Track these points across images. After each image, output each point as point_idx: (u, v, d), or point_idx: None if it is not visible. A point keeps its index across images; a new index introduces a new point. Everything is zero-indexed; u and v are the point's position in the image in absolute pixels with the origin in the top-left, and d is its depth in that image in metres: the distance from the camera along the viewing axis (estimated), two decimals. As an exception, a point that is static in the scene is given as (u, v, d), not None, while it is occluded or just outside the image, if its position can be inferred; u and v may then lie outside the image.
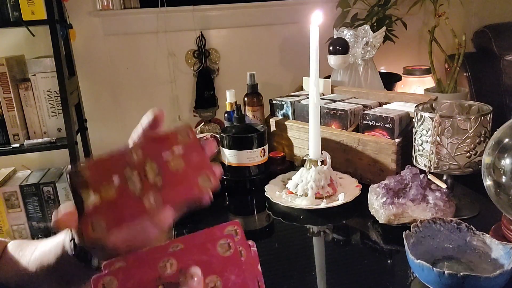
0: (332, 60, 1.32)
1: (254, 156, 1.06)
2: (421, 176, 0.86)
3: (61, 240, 0.51)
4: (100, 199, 0.42)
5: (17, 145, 1.54)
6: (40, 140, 1.57)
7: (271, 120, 1.27)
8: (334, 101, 1.18)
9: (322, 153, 0.99)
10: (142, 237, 0.47)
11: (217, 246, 0.40)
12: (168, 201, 0.42)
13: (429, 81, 1.99)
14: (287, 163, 1.20)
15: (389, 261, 0.77)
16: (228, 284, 0.39)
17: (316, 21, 0.91)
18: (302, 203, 0.95)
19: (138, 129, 0.48)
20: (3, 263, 0.59)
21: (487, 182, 0.74)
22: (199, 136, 1.24)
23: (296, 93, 1.34)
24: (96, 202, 0.41)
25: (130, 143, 0.48)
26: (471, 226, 0.70)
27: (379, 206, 0.84)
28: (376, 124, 1.02)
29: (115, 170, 0.43)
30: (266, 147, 1.10)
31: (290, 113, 1.23)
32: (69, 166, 0.43)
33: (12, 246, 0.60)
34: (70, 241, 0.48)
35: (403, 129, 1.01)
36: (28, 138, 1.59)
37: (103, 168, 0.43)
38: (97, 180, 0.42)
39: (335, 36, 1.40)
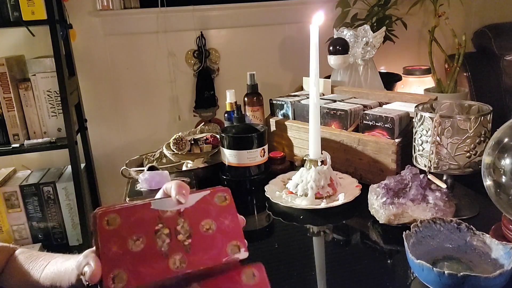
0: (332, 60, 1.32)
1: (254, 156, 1.06)
2: (421, 176, 0.86)
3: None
4: (126, 251, 0.41)
5: (17, 145, 1.54)
6: (40, 140, 1.57)
7: (271, 120, 1.27)
8: (334, 101, 1.18)
9: (322, 153, 0.99)
10: None
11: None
12: (193, 266, 0.42)
13: (429, 81, 1.99)
14: (287, 163, 1.20)
15: (389, 261, 0.77)
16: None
17: (317, 21, 0.91)
18: (302, 203, 0.95)
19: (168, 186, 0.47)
20: (10, 271, 0.58)
21: (487, 182, 0.74)
22: (199, 136, 1.24)
23: (296, 93, 1.34)
24: (122, 252, 0.41)
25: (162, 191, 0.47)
26: (471, 226, 0.70)
27: (379, 206, 0.84)
28: (376, 124, 1.02)
29: (147, 223, 0.42)
30: (266, 147, 1.10)
31: (290, 113, 1.23)
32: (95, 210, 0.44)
33: (21, 256, 0.60)
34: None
35: (403, 129, 1.01)
36: (28, 138, 1.59)
37: (135, 218, 0.42)
38: (127, 231, 0.41)
39: (335, 36, 1.40)
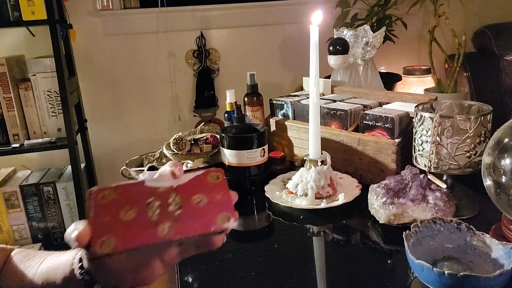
0: (332, 60, 1.32)
1: (254, 156, 1.06)
2: (421, 176, 0.86)
3: (71, 259, 0.50)
4: (117, 219, 0.42)
5: (17, 145, 1.54)
6: (40, 140, 1.57)
7: (271, 120, 1.27)
8: (334, 101, 1.18)
9: (322, 153, 0.99)
10: (146, 272, 0.47)
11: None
12: (182, 232, 0.43)
13: (429, 81, 1.99)
14: (287, 163, 1.20)
15: (389, 261, 0.77)
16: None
17: (316, 20, 0.91)
18: (302, 203, 0.95)
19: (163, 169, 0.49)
20: (7, 272, 0.58)
21: (487, 182, 0.74)
22: (199, 136, 1.24)
23: (296, 93, 1.34)
24: (112, 221, 0.42)
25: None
26: (471, 226, 0.70)
27: (379, 206, 0.84)
28: (376, 124, 1.02)
29: (140, 197, 0.44)
30: (266, 147, 1.10)
31: (290, 113, 1.23)
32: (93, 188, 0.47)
33: (18, 256, 0.59)
34: (79, 263, 0.48)
35: (403, 129, 1.01)
36: (28, 138, 1.60)
37: (129, 193, 0.44)
38: (120, 203, 0.43)
39: (335, 36, 1.40)
